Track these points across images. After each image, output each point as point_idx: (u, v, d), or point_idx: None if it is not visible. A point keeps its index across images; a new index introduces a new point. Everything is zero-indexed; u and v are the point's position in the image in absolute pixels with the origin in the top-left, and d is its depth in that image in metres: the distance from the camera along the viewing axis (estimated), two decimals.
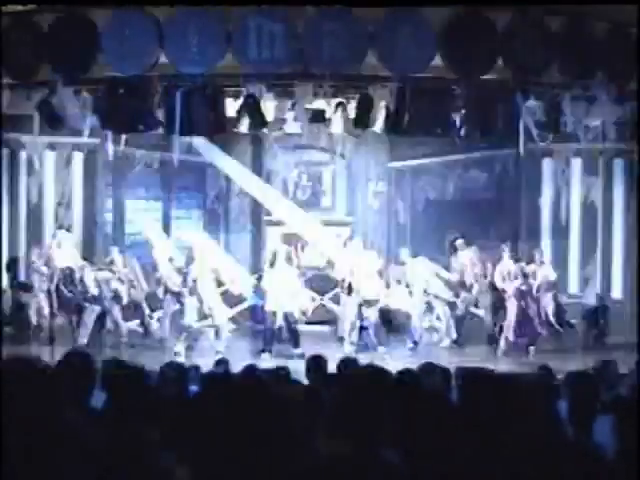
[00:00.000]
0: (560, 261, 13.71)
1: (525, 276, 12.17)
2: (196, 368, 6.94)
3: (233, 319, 14.86)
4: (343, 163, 16.62)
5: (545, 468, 2.91)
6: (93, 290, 12.18)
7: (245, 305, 15.01)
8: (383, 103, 10.96)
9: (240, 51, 10.29)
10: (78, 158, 14.32)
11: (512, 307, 12.16)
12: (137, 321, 13.29)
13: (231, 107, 11.23)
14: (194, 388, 5.40)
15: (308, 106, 10.99)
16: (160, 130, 11.93)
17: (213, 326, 12.08)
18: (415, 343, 12.43)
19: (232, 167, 16.17)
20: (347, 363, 5.87)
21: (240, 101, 10.98)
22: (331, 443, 3.50)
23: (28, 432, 2.82)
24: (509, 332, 12.05)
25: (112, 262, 13.02)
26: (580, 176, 14.16)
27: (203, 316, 12.00)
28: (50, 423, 2.91)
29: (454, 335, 12.78)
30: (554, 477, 2.87)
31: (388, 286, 12.61)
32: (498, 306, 12.60)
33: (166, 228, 16.03)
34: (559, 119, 11.00)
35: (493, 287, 12.58)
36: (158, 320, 13.71)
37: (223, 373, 6.56)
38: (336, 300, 13.94)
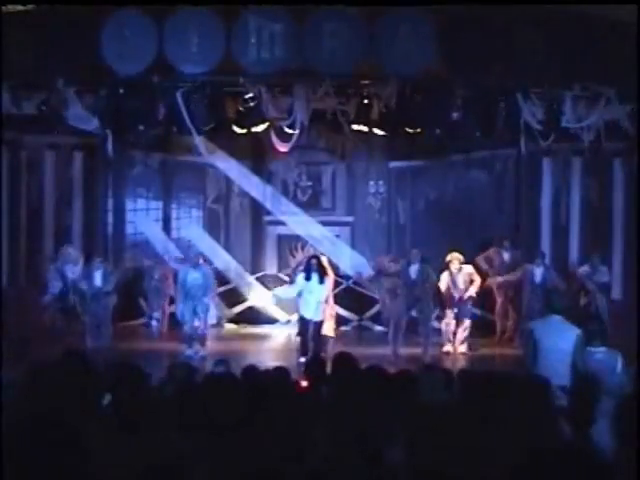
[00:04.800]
0: (560, 261, 13.70)
1: None
2: (198, 369, 6.92)
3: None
4: (343, 163, 16.62)
5: (544, 468, 2.91)
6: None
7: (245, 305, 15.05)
8: (383, 103, 10.97)
9: (240, 51, 10.29)
10: (78, 158, 14.30)
11: None
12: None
13: (231, 107, 11.24)
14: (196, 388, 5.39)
15: (308, 106, 11.00)
16: (160, 130, 11.96)
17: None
18: None
19: (232, 167, 16.18)
20: (343, 360, 5.73)
21: (240, 101, 10.99)
22: (330, 442, 3.50)
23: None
24: None
25: None
26: (580, 176, 14.14)
27: None
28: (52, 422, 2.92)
29: None
30: (554, 477, 2.87)
31: None
32: None
33: (166, 228, 16.04)
34: (559, 119, 11.01)
35: None
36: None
37: (224, 373, 6.56)
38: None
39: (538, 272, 12.42)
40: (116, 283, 12.32)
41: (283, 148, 11.70)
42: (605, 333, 6.54)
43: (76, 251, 13.24)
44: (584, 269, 12.76)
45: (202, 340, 11.70)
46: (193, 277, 11.62)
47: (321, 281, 11.15)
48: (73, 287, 12.58)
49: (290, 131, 11.42)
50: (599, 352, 6.15)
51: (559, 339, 6.45)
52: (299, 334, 11.45)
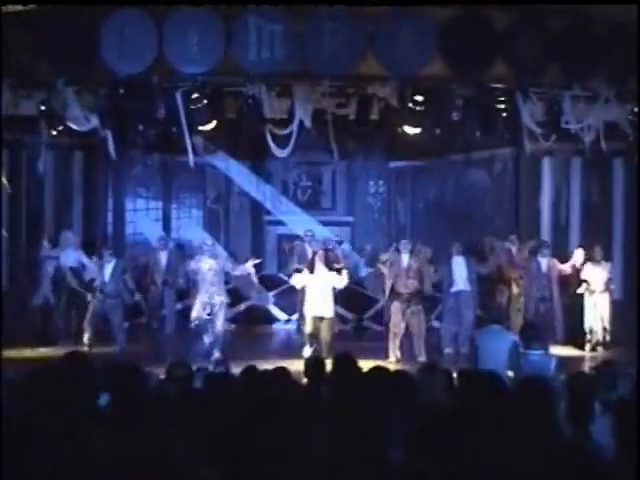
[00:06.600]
0: (560, 261, 13.69)
1: None
2: (200, 369, 6.91)
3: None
4: (343, 163, 16.62)
5: (544, 468, 2.91)
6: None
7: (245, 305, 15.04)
8: (383, 103, 10.96)
9: (240, 51, 10.28)
10: (78, 158, 14.30)
11: None
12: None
13: (231, 107, 11.23)
14: (196, 389, 5.39)
15: (308, 106, 10.99)
16: (160, 130, 11.95)
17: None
18: None
19: (232, 167, 16.19)
20: (343, 360, 5.72)
21: (240, 101, 10.98)
22: (330, 442, 3.50)
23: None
24: None
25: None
26: (580, 176, 14.14)
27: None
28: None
29: None
30: (554, 477, 2.87)
31: None
32: None
33: (166, 228, 16.05)
34: (559, 119, 11.00)
35: None
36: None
37: (224, 373, 6.56)
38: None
39: (544, 262, 12.44)
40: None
41: (281, 154, 11.66)
42: (540, 337, 7.32)
43: (75, 237, 13.19)
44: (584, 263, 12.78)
45: (218, 341, 11.02)
46: (208, 264, 11.12)
47: (327, 274, 11.24)
48: (73, 273, 12.52)
49: (287, 131, 11.35)
50: (535, 354, 7.01)
51: (496, 346, 7.46)
52: (310, 335, 11.18)
